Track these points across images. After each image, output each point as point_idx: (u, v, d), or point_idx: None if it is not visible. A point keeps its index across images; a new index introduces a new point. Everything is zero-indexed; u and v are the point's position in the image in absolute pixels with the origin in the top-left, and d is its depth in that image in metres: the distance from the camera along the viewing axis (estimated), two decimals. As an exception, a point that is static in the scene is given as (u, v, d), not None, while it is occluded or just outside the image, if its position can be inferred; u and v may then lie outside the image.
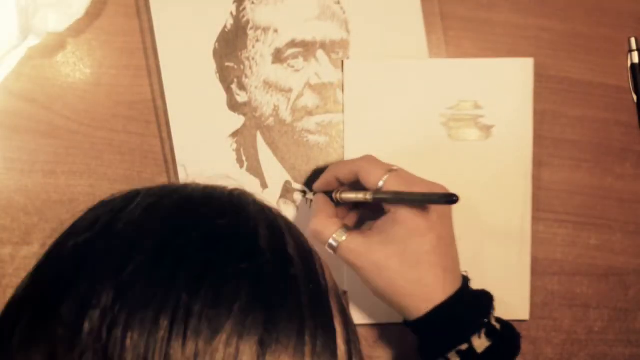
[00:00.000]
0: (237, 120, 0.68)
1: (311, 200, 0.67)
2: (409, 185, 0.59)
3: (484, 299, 0.60)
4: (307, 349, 0.36)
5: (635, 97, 0.72)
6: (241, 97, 0.68)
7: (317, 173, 0.67)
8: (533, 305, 0.70)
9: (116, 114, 0.68)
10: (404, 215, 0.58)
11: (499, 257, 0.68)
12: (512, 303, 0.68)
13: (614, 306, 0.71)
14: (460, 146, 0.69)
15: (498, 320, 0.59)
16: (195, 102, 0.67)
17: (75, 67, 0.68)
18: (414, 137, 0.68)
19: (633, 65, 0.72)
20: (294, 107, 0.69)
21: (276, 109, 0.69)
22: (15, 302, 0.38)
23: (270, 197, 0.68)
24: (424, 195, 0.58)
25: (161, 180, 0.67)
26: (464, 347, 0.57)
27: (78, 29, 0.67)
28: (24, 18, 0.61)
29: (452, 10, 0.71)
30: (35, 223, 0.66)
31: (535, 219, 0.70)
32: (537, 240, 0.70)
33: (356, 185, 0.63)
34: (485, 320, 0.58)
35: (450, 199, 0.55)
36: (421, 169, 0.61)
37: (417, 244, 0.58)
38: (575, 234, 0.71)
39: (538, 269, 0.70)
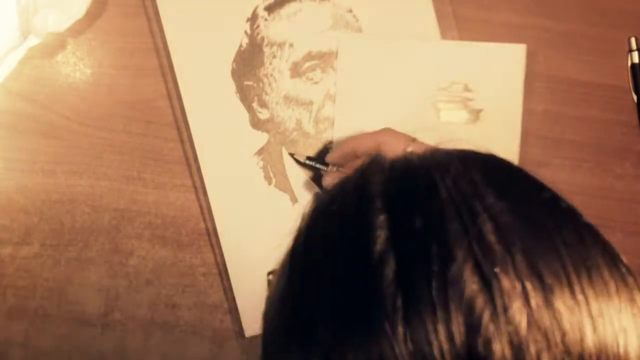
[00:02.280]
0: (261, 138, 0.68)
1: (320, 175, 0.67)
2: None
3: None
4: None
5: (635, 97, 0.72)
6: (263, 114, 0.68)
7: (324, 150, 0.68)
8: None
9: (116, 114, 0.68)
10: None
11: None
12: None
13: (614, 306, 0.71)
14: (448, 127, 0.69)
15: None
16: (218, 124, 0.68)
17: (75, 67, 0.68)
18: (403, 115, 0.69)
19: (633, 65, 0.72)
20: (316, 119, 0.69)
21: (299, 122, 0.69)
22: (339, 290, 0.33)
23: (301, 211, 0.68)
24: None
25: (162, 180, 0.68)
26: None
27: (78, 29, 0.67)
28: (24, 18, 0.61)
29: (452, 11, 0.71)
30: (35, 223, 0.66)
31: (535, 219, 0.70)
32: (537, 240, 0.70)
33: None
34: None
35: None
36: None
37: None
38: (575, 234, 0.71)
39: (538, 269, 0.70)
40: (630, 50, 0.72)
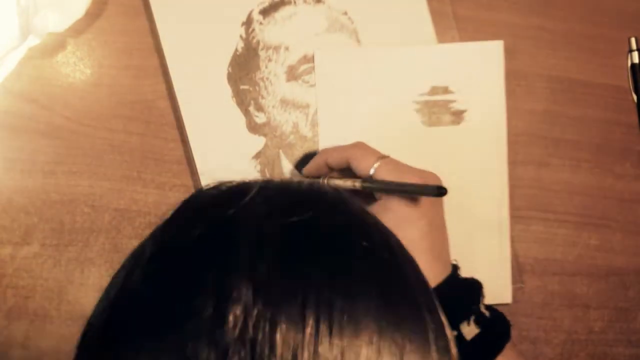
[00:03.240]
0: (258, 142, 0.68)
1: None
2: (401, 174, 0.59)
3: (473, 287, 0.60)
4: (432, 349, 0.34)
5: (635, 97, 0.72)
6: (260, 118, 0.68)
7: (307, 158, 0.68)
8: (533, 305, 0.70)
9: (116, 114, 0.68)
10: (396, 203, 0.58)
11: (478, 241, 0.68)
12: (494, 287, 0.68)
13: (614, 306, 0.71)
14: (434, 132, 0.69)
15: (488, 307, 0.59)
16: (214, 128, 0.67)
17: (75, 67, 0.68)
18: (388, 125, 0.69)
19: (633, 65, 0.72)
20: (313, 122, 0.69)
21: (295, 125, 0.69)
22: (127, 296, 0.35)
23: None
24: (413, 186, 0.58)
25: (162, 180, 0.67)
26: (453, 334, 0.57)
27: (78, 29, 0.67)
28: (24, 18, 0.61)
29: (452, 10, 0.71)
30: (35, 223, 0.66)
31: (536, 219, 0.70)
32: (537, 240, 0.70)
33: (346, 171, 0.63)
34: (474, 307, 0.58)
35: (439, 191, 0.55)
36: (397, 157, 0.62)
37: (408, 231, 0.57)
38: (575, 234, 0.71)
39: (538, 269, 0.70)
40: (630, 50, 0.72)
